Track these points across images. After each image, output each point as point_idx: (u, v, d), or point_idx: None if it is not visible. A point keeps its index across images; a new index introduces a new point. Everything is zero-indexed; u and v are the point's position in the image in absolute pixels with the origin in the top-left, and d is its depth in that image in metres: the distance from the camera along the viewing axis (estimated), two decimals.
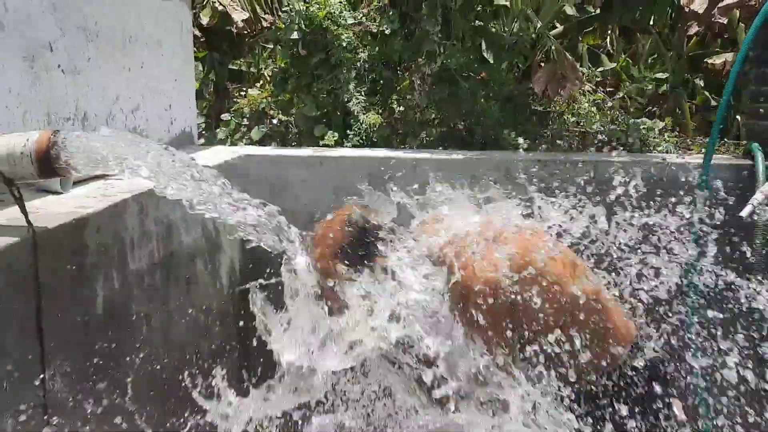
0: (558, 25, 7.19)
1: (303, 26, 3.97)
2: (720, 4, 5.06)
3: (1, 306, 1.69)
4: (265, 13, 5.18)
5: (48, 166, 1.82)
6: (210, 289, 3.24)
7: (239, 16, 4.97)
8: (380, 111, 3.94)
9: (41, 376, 1.84)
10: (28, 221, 1.85)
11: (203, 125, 5.85)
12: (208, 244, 3.25)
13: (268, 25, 4.31)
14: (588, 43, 8.46)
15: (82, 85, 2.82)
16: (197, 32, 6.39)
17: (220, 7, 4.91)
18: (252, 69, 8.46)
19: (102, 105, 2.99)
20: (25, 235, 1.84)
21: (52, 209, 2.16)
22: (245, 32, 6.49)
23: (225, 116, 4.53)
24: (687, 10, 5.12)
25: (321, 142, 3.92)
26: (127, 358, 2.34)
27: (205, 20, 5.44)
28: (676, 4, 5.63)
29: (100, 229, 2.20)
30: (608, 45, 9.41)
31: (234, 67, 9.01)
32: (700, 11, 5.12)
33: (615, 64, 8.13)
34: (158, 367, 2.57)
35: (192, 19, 4.07)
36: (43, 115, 2.57)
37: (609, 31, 8.20)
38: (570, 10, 7.05)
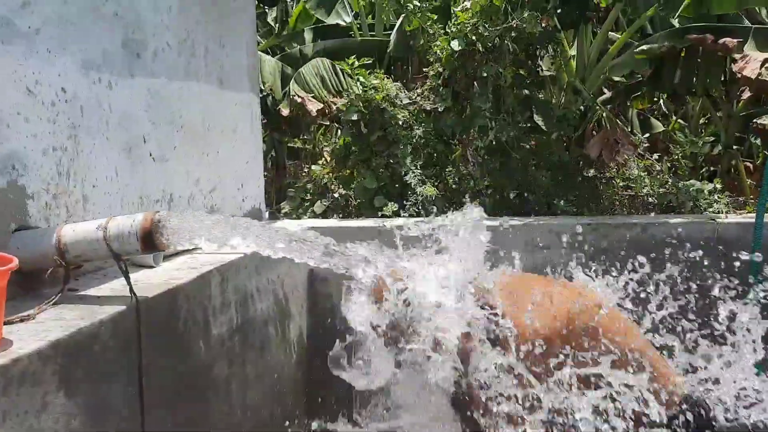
0: (606, 91, 7.41)
1: (362, 108, 4.31)
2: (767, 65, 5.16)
3: (112, 365, 1.95)
4: (333, 97, 5.64)
5: (150, 242, 2.10)
6: (282, 355, 3.46)
7: (314, 106, 5.43)
8: (436, 183, 4.18)
9: (141, 427, 2.07)
10: (132, 292, 2.13)
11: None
12: (279, 312, 3.49)
13: (336, 109, 4.74)
14: (637, 107, 8.61)
15: (168, 171, 3.16)
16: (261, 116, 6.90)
17: (298, 99, 5.40)
18: (308, 146, 8.94)
19: (185, 187, 3.33)
20: (130, 303, 2.11)
21: (148, 281, 2.44)
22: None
23: (290, 192, 4.86)
24: (740, 76, 5.20)
25: (380, 213, 4.18)
26: (211, 416, 2.56)
27: (285, 111, 5.98)
28: (729, 71, 5.76)
29: (189, 297, 2.47)
30: (661, 106, 9.54)
31: (292, 145, 9.53)
32: (753, 77, 5.16)
33: (665, 127, 8.23)
34: (237, 425, 2.78)
35: (260, 106, 4.46)
36: (137, 198, 2.90)
37: (657, 96, 8.36)
38: (617, 77, 7.27)
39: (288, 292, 3.62)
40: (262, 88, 6.82)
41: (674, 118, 8.79)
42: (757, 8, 6.14)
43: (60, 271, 2.18)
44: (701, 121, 8.68)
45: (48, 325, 1.89)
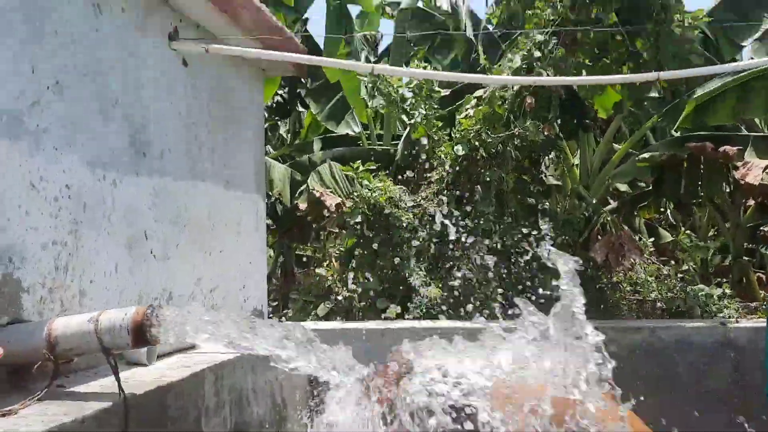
0: (611, 201, 7.47)
1: (367, 210, 4.36)
2: None
3: None
4: (346, 197, 5.69)
5: (141, 336, 2.06)
6: None
7: (332, 200, 5.48)
8: (440, 285, 4.15)
9: None
10: (120, 388, 2.07)
11: (270, 307, 6.18)
12: (277, 417, 3.36)
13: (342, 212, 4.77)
14: (644, 217, 8.65)
15: (170, 268, 3.16)
16: (269, 221, 6.96)
17: (317, 193, 5.45)
18: (317, 255, 8.97)
19: (185, 286, 3.31)
20: (117, 400, 2.05)
21: (139, 379, 2.38)
22: (320, 217, 6.99)
23: (293, 295, 4.83)
24: (743, 183, 5.23)
25: (383, 315, 4.12)
26: None
27: (303, 206, 6.05)
28: (732, 178, 5.82)
29: (180, 395, 2.40)
30: (668, 217, 9.57)
31: (301, 253, 9.55)
32: (756, 183, 5.16)
33: (674, 237, 8.23)
34: None
35: (270, 212, 4.52)
36: (136, 294, 2.88)
37: (664, 206, 8.42)
38: (622, 187, 7.36)
39: (286, 397, 3.51)
40: (271, 193, 6.94)
41: (682, 228, 8.80)
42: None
43: (49, 365, 2.13)
44: (710, 233, 8.67)
45: (30, 420, 1.83)
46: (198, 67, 3.48)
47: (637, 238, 6.52)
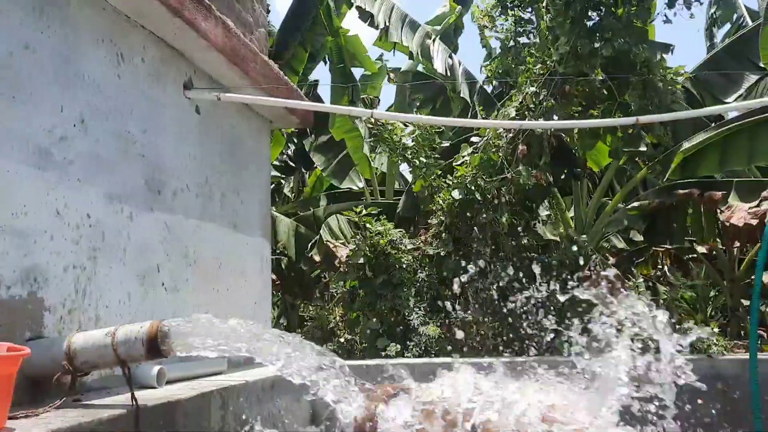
0: (610, 257, 7.63)
1: (368, 252, 4.54)
2: (751, 210, 5.35)
3: None
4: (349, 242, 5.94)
5: (155, 348, 2.21)
6: None
7: (343, 252, 5.69)
8: (439, 324, 4.29)
9: None
10: (133, 395, 2.22)
11: None
12: None
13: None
14: (642, 272, 8.78)
15: (179, 301, 3.32)
16: (273, 276, 7.13)
17: (332, 246, 5.69)
18: (322, 312, 9.05)
19: None
20: (130, 408, 2.19)
21: (150, 396, 2.51)
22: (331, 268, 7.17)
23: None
24: (728, 224, 5.43)
25: (383, 353, 4.24)
26: None
27: (317, 257, 6.30)
28: (720, 222, 6.00)
29: (188, 414, 2.53)
30: (666, 273, 9.67)
31: (303, 313, 9.64)
32: (740, 224, 5.37)
33: (672, 294, 8.34)
34: None
35: (275, 268, 4.71)
36: None
37: (661, 262, 8.57)
38: (620, 244, 7.54)
39: (289, 429, 3.60)
40: (275, 247, 7.13)
41: (682, 287, 8.90)
42: None
43: (66, 378, 2.27)
44: (711, 294, 8.77)
45: (50, 420, 1.98)
46: (210, 116, 3.73)
47: (636, 295, 6.64)
